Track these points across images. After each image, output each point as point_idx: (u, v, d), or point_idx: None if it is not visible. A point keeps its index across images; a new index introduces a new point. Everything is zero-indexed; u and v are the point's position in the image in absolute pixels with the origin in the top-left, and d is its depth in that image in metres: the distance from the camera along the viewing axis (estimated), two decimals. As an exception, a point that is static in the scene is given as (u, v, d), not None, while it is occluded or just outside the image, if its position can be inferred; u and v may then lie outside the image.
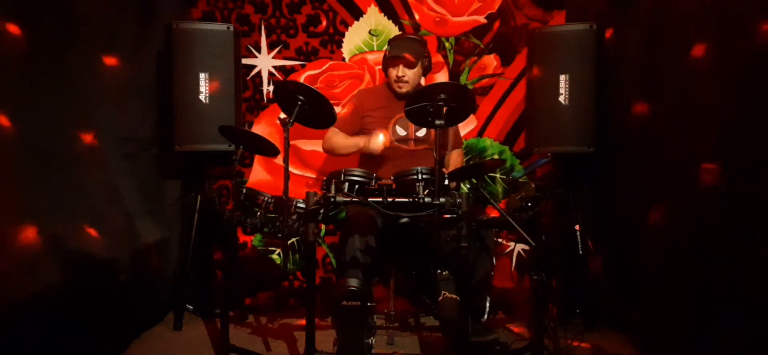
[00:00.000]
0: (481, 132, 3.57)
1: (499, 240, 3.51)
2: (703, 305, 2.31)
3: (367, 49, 3.54)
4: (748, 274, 2.09)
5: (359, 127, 3.11)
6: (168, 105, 3.11)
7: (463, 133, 3.48)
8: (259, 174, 3.57)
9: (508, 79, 3.54)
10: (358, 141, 2.97)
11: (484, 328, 2.89)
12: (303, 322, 2.51)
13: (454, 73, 3.54)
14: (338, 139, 3.06)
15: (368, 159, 3.02)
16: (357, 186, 2.47)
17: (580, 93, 3.04)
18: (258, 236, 3.56)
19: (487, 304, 2.97)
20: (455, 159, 3.18)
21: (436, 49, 3.51)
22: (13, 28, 2.19)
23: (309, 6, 3.53)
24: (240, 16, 3.53)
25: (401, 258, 2.91)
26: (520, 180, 3.50)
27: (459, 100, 2.39)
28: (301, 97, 2.45)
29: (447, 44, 3.53)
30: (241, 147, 2.67)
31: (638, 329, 2.85)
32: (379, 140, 2.84)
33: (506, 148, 3.56)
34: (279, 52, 3.55)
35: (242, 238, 3.55)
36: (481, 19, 3.50)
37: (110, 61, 2.84)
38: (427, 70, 3.11)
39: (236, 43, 3.17)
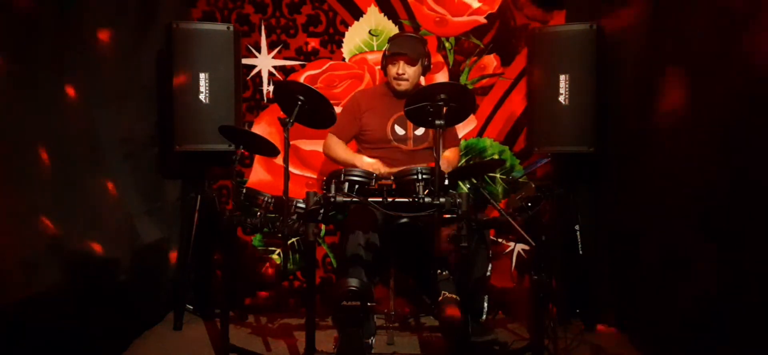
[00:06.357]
0: (481, 132, 3.56)
1: (499, 240, 3.52)
2: (703, 305, 2.31)
3: (367, 49, 3.54)
4: (748, 273, 2.09)
5: (358, 129, 3.11)
6: (168, 105, 3.11)
7: (463, 133, 3.48)
8: (259, 174, 3.57)
9: (508, 79, 3.53)
10: (355, 160, 2.96)
11: (484, 328, 2.89)
12: (303, 322, 2.51)
13: (454, 73, 3.54)
14: (339, 151, 3.07)
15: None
16: (357, 186, 2.47)
17: (580, 93, 3.04)
18: (258, 236, 3.56)
19: (486, 304, 2.97)
20: (448, 158, 3.14)
21: (436, 49, 3.51)
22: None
23: (309, 6, 3.53)
24: (240, 16, 3.53)
25: (401, 258, 2.91)
26: (520, 180, 3.50)
27: (459, 100, 2.39)
28: (301, 97, 2.45)
29: (447, 44, 3.53)
30: (241, 147, 2.67)
31: (638, 329, 2.85)
32: (379, 170, 2.81)
33: (506, 148, 3.56)
34: (279, 52, 3.55)
35: (242, 238, 3.55)
36: (481, 19, 3.50)
37: (110, 60, 2.84)
38: (426, 70, 3.10)
39: (236, 43, 3.17)
